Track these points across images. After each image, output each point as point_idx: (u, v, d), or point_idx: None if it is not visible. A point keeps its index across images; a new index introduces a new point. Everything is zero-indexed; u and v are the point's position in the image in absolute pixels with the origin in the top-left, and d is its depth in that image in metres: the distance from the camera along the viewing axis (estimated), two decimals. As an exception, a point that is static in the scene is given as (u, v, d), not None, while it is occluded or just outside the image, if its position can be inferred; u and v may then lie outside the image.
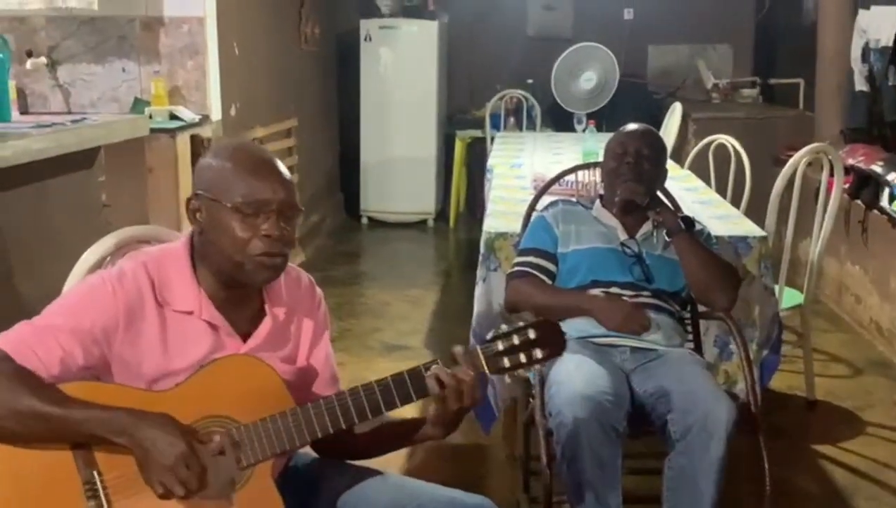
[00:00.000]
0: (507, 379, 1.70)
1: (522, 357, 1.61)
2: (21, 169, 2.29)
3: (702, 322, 2.73)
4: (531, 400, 2.48)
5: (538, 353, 1.61)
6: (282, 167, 1.65)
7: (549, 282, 2.56)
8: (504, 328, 1.62)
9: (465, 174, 7.00)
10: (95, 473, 1.51)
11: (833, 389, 3.77)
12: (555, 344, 1.63)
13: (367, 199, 6.99)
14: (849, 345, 4.33)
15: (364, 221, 7.05)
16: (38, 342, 1.53)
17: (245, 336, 1.67)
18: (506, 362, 1.61)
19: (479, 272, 2.94)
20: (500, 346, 1.61)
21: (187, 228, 1.72)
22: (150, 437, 1.48)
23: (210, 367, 1.60)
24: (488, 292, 2.90)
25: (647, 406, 2.30)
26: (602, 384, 2.22)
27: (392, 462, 3.04)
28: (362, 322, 4.63)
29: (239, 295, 1.67)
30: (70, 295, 1.63)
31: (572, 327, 2.45)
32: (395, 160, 6.86)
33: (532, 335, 1.61)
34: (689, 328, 2.66)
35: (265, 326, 1.69)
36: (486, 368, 1.61)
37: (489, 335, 1.62)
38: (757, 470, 2.32)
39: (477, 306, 2.91)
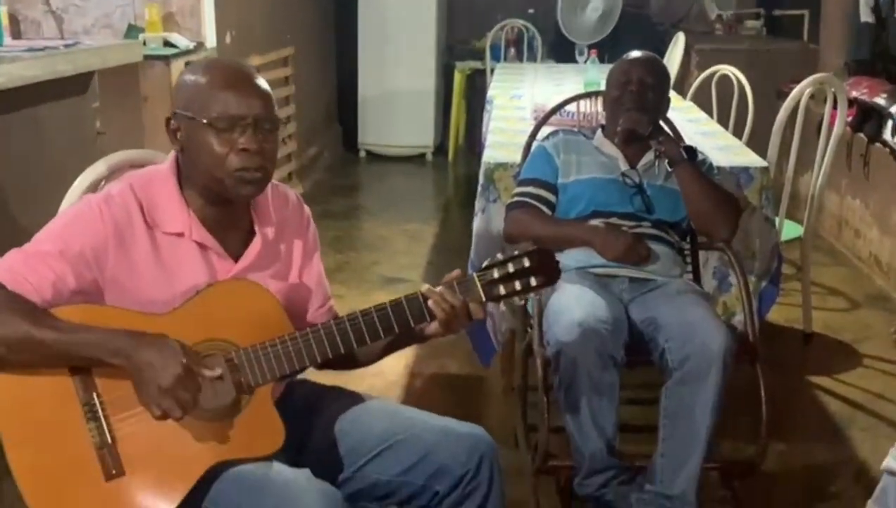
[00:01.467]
0: (503, 307, 1.71)
1: (517, 285, 1.62)
2: (14, 95, 2.26)
3: (701, 254, 2.72)
4: (529, 331, 2.48)
5: (533, 281, 1.63)
6: (259, 80, 1.62)
7: (549, 213, 2.54)
8: (499, 256, 1.63)
9: (464, 107, 6.93)
10: (94, 395, 1.51)
11: (830, 322, 3.78)
12: (549, 272, 1.64)
13: (365, 132, 6.93)
14: (847, 279, 4.34)
15: (362, 154, 6.99)
16: (29, 268, 1.52)
17: (236, 257, 1.66)
18: (501, 289, 1.62)
19: (478, 203, 2.93)
20: (496, 274, 1.62)
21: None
22: (148, 359, 1.48)
23: (208, 291, 1.60)
24: (487, 223, 2.88)
25: (644, 336, 2.30)
26: (600, 313, 2.22)
27: (391, 391, 3.08)
28: (360, 256, 4.62)
29: (227, 215, 1.66)
30: (58, 220, 1.61)
31: (571, 257, 2.45)
32: (394, 93, 6.78)
33: (527, 263, 1.62)
34: (689, 260, 2.65)
35: (255, 245, 1.68)
36: (482, 295, 1.62)
37: (485, 263, 1.64)
38: (754, 401, 2.33)
39: (476, 238, 2.89)
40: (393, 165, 6.80)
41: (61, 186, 1.84)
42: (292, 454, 1.64)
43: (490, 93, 4.54)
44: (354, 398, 1.78)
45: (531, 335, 2.41)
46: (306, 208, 1.82)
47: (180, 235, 1.62)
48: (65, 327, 1.48)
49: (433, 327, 1.65)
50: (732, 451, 2.65)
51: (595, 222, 2.48)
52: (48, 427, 1.51)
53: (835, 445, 2.86)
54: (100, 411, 1.51)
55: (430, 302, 1.60)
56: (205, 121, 1.57)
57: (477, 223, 2.90)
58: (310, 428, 1.73)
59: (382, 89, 6.79)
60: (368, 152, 6.98)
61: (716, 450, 2.36)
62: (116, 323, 1.51)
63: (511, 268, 1.62)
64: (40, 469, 1.49)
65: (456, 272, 1.65)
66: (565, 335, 2.15)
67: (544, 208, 2.53)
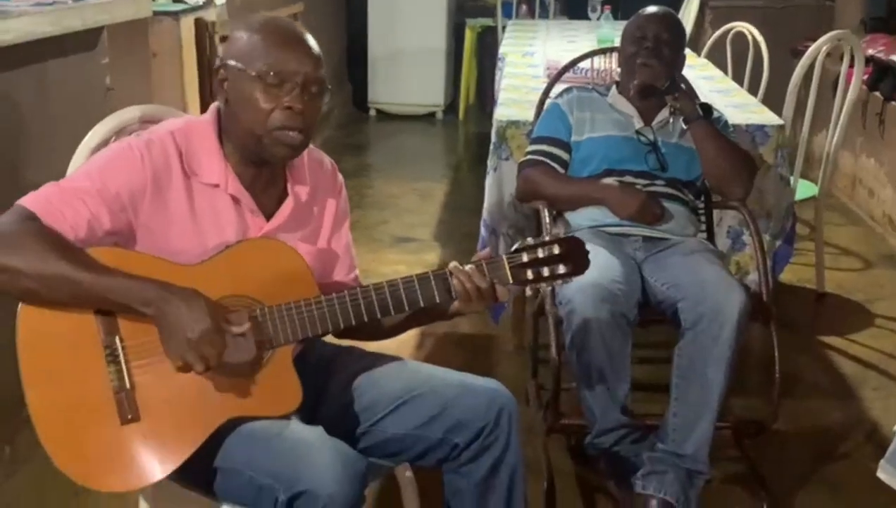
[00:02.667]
0: (529, 291, 1.71)
1: (545, 271, 1.63)
2: (21, 50, 2.23)
3: (715, 213, 2.70)
4: (541, 290, 2.47)
5: (561, 268, 1.63)
6: (312, 42, 1.63)
7: (562, 171, 2.52)
8: (530, 240, 1.64)
9: (475, 65, 6.86)
10: (117, 339, 1.51)
11: (843, 282, 3.77)
12: (578, 262, 1.65)
13: (376, 90, 6.88)
14: (860, 239, 4.31)
15: (372, 113, 6.95)
16: (66, 203, 1.51)
17: (268, 216, 1.66)
18: (528, 274, 1.63)
19: (490, 162, 2.90)
20: (525, 258, 1.62)
21: (193, 113, 1.68)
22: (177, 311, 1.47)
23: (238, 246, 1.59)
24: (499, 181, 2.87)
25: (658, 295, 2.29)
26: (613, 273, 2.20)
27: (403, 351, 3.08)
28: (370, 214, 4.61)
29: (263, 174, 1.66)
30: (97, 159, 1.60)
31: (584, 216, 2.44)
32: (404, 51, 6.72)
33: (557, 250, 1.63)
34: (703, 219, 2.63)
35: (288, 205, 1.67)
36: (509, 277, 1.63)
37: (515, 247, 1.64)
38: (766, 360, 2.33)
39: (488, 197, 2.88)
40: (403, 124, 6.75)
41: (71, 143, 1.82)
42: (307, 412, 1.65)
43: (502, 50, 4.48)
44: (371, 357, 1.79)
45: (543, 295, 2.40)
46: (340, 176, 1.82)
47: (216, 186, 1.61)
48: (99, 269, 1.47)
49: (456, 305, 1.65)
50: (744, 410, 2.65)
51: (608, 180, 2.45)
52: (68, 367, 1.51)
53: (847, 404, 2.86)
54: (121, 355, 1.51)
55: (455, 280, 1.61)
56: (254, 73, 1.56)
57: (489, 182, 2.89)
58: (325, 387, 1.74)
59: (392, 47, 6.72)
60: (378, 111, 6.93)
61: (728, 409, 2.36)
62: (146, 270, 1.50)
63: (541, 253, 1.63)
64: (57, 407, 1.49)
65: (485, 252, 1.66)
66: (578, 295, 2.14)
67: (557, 167, 2.51)
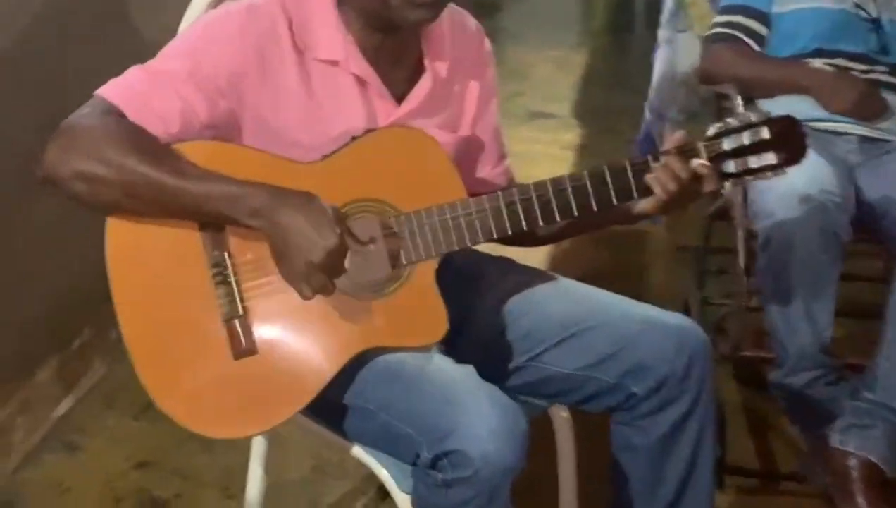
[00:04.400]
0: (728, 186, 1.36)
1: (752, 162, 1.33)
2: None
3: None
4: (724, 191, 2.08)
5: (772, 158, 1.32)
6: None
7: (758, 48, 2.12)
8: (732, 121, 1.33)
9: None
10: (226, 255, 1.25)
11: None
12: (793, 148, 1.34)
13: (509, -56, 6.35)
14: None
15: (505, -31, 6.44)
16: (154, 91, 1.25)
17: (399, 98, 1.37)
18: (731, 165, 1.33)
19: (662, 33, 2.57)
20: (726, 145, 1.32)
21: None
22: (294, 224, 1.19)
23: (366, 139, 1.31)
24: (672, 57, 2.52)
25: (876, 210, 1.91)
26: (824, 180, 1.82)
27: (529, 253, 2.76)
28: (503, 85, 4.18)
29: (392, 46, 1.36)
30: (189, 34, 1.34)
31: (784, 106, 1.95)
32: None
33: (766, 134, 1.32)
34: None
35: (424, 84, 1.38)
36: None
37: (711, 130, 1.33)
38: None
39: (656, 74, 2.57)
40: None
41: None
42: (448, 337, 1.35)
43: None
44: (529, 273, 1.49)
45: (728, 199, 2.02)
46: (487, 43, 1.50)
47: (335, 63, 1.33)
48: (194, 172, 1.23)
49: (644, 204, 1.35)
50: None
51: (817, 63, 2.06)
52: (167, 288, 1.27)
53: None
54: (231, 275, 1.25)
55: (648, 176, 1.31)
56: None
57: (659, 57, 2.54)
58: (471, 308, 1.44)
59: None
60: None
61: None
62: (252, 169, 1.24)
63: (746, 139, 1.32)
64: (157, 336, 1.26)
65: (678, 136, 1.34)
66: (782, 207, 1.78)
67: (752, 43, 2.12)
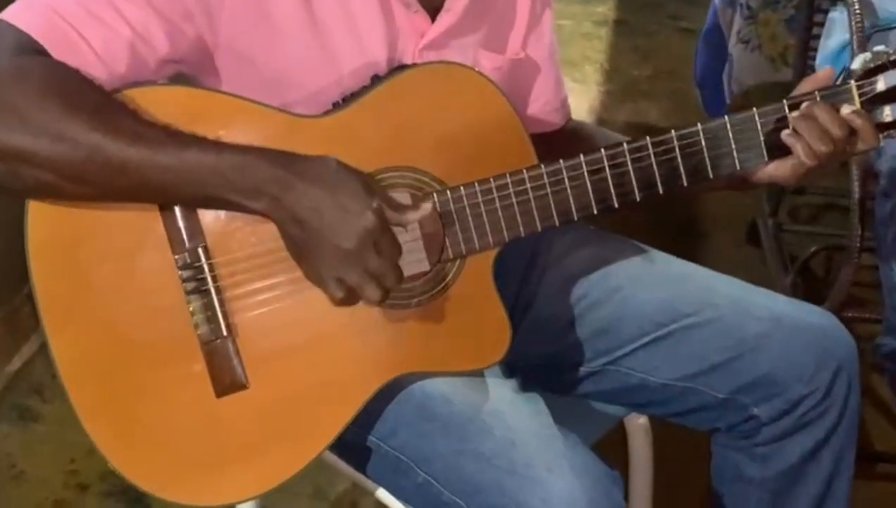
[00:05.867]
0: (861, 122, 0.98)
1: None
2: None
3: None
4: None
5: None
6: None
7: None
8: (882, 49, 0.99)
9: None
10: (201, 251, 0.89)
11: None
12: None
13: None
14: None
15: None
16: (88, 14, 0.87)
17: (433, 11, 1.01)
18: (887, 112, 0.99)
19: None
20: (882, 84, 0.98)
21: None
22: (315, 200, 0.86)
23: (393, 82, 0.95)
24: None
25: None
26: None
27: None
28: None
29: None
30: None
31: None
32: None
33: None
34: None
35: None
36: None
37: (857, 63, 0.99)
38: None
39: None
40: None
41: None
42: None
43: None
44: (605, 245, 1.15)
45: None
46: None
47: None
48: (161, 137, 0.85)
49: (774, 169, 1.00)
50: None
51: None
52: (122, 301, 0.89)
53: None
54: (209, 280, 0.89)
55: (785, 133, 0.97)
56: None
57: None
58: (528, 291, 1.12)
59: None
60: None
61: None
62: (241, 128, 0.89)
63: None
64: (107, 370, 0.89)
65: (823, 73, 1.01)
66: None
67: None
